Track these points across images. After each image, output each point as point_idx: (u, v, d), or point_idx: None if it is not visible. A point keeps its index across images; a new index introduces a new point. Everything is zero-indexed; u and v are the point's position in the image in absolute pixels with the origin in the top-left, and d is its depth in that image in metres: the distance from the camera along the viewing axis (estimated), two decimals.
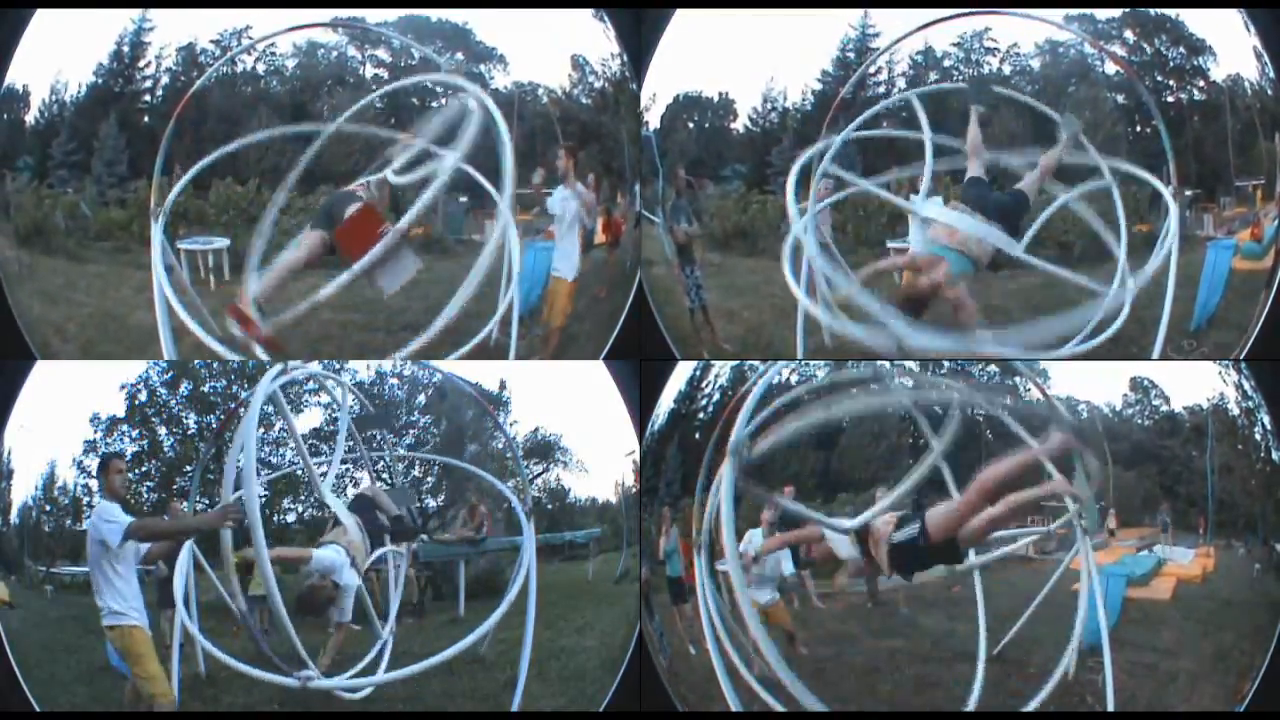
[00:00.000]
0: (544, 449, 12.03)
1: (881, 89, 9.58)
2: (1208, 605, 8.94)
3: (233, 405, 10.73)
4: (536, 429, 11.88)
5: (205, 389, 11.30)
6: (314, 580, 7.87)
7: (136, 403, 10.95)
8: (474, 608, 10.06)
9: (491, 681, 8.59)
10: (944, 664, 8.76)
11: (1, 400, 7.89)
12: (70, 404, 9.74)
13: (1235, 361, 8.01)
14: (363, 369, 10.82)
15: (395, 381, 10.79)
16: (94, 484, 9.97)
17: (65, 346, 8.04)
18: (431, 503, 12.39)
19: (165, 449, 10.89)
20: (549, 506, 11.89)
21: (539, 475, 11.94)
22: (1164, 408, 9.61)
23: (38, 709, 7.58)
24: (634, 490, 9.03)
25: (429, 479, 12.43)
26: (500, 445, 10.76)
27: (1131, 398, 9.74)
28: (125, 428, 10.65)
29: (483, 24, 9.02)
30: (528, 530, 8.42)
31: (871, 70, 9.18)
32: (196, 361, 10.20)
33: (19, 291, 8.00)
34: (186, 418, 11.10)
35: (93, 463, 10.05)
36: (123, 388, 10.85)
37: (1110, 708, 7.29)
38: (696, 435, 8.53)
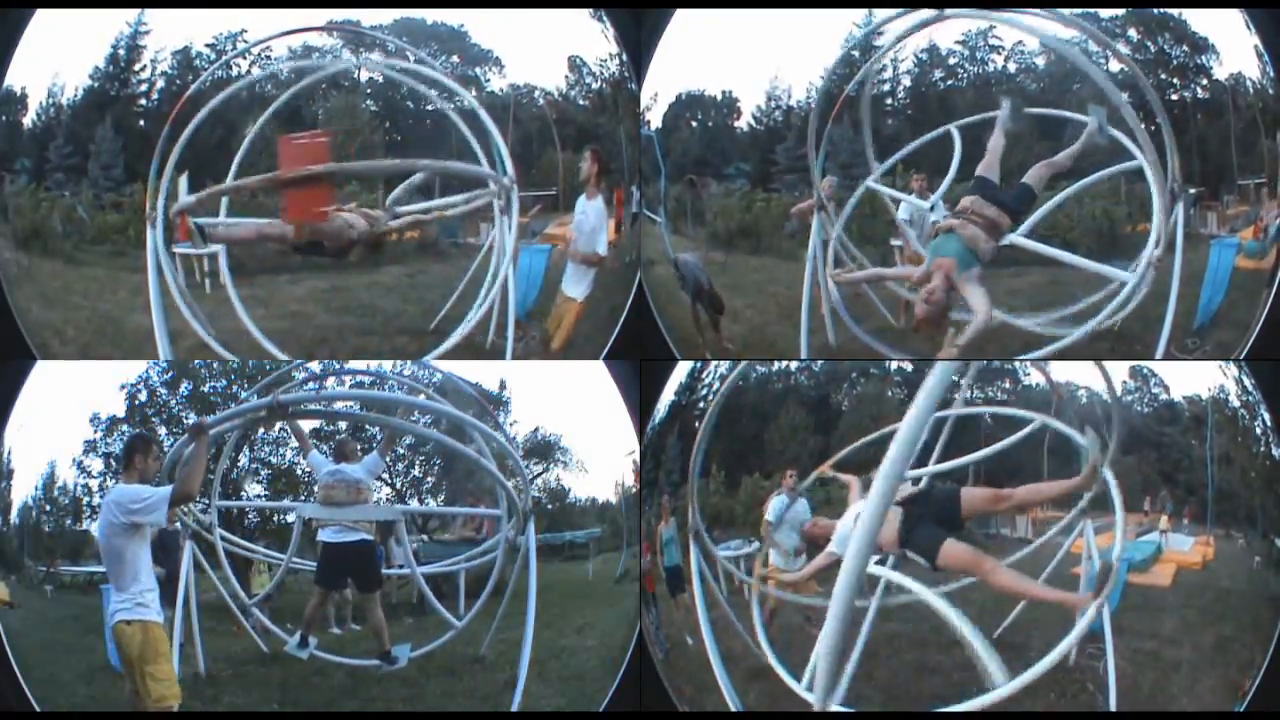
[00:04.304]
0: (544, 449, 12.11)
1: (886, 86, 9.70)
2: (1208, 594, 9.08)
3: (232, 405, 10.84)
4: (536, 429, 11.98)
5: (205, 389, 11.38)
6: None
7: (136, 403, 11.04)
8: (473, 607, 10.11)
9: (491, 681, 8.67)
10: (944, 649, 8.84)
11: (1, 400, 7.96)
12: (71, 404, 9.86)
13: (1237, 361, 8.08)
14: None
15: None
16: (94, 484, 10.18)
17: (64, 349, 8.10)
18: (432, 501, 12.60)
19: (165, 449, 10.98)
20: (549, 506, 11.98)
21: (539, 475, 12.02)
22: (1163, 396, 9.76)
23: (38, 709, 7.63)
24: (634, 490, 9.15)
25: (429, 478, 12.60)
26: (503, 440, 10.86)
27: (1131, 385, 9.88)
28: (125, 428, 10.67)
29: (479, 26, 9.15)
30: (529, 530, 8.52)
31: (876, 68, 9.25)
32: (196, 361, 10.26)
33: (18, 293, 8.07)
34: (186, 418, 11.16)
35: (94, 463, 10.22)
36: (123, 388, 10.95)
37: (1111, 696, 7.38)
38: (696, 425, 8.67)
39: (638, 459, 8.55)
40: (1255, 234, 8.40)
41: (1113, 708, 7.38)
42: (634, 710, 7.98)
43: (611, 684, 8.19)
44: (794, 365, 8.84)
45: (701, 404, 8.77)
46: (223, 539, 9.53)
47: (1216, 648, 8.22)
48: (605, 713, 8.08)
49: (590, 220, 8.16)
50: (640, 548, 8.84)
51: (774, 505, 9.05)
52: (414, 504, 12.46)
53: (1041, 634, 8.38)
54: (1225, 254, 8.37)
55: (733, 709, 7.63)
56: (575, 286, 8.30)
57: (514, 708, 7.82)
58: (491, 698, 8.37)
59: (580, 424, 10.93)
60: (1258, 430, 8.47)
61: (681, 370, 8.68)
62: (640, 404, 8.24)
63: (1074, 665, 7.79)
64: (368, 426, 10.93)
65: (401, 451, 12.07)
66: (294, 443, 10.51)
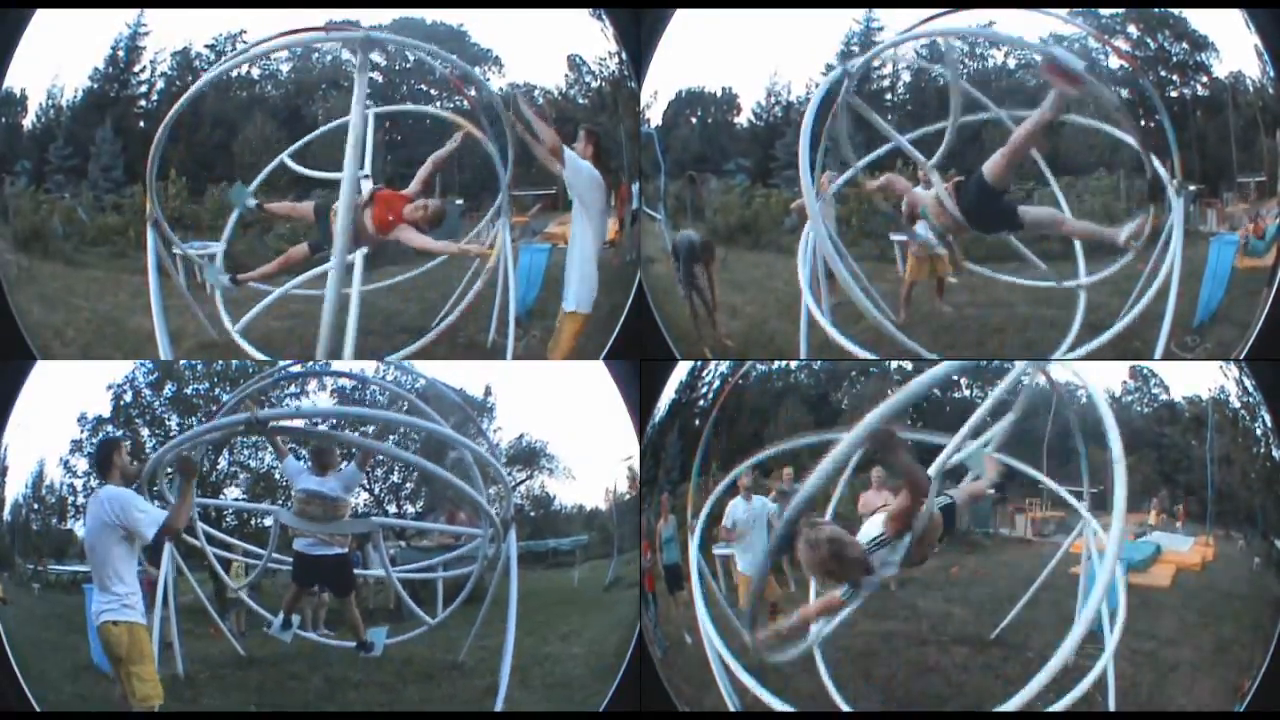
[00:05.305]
0: (529, 455, 12.14)
1: (886, 82, 9.88)
2: (1208, 595, 9.22)
3: (214, 409, 10.90)
4: (522, 435, 12.06)
5: (188, 391, 11.48)
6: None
7: (122, 403, 11.14)
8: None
9: (470, 688, 8.82)
10: (941, 647, 9.03)
11: (1, 400, 8.12)
12: (63, 403, 9.92)
13: (1237, 361, 8.27)
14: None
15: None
16: (79, 483, 10.24)
17: (65, 350, 8.25)
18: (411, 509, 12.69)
19: (147, 450, 11.01)
20: (532, 514, 12.02)
21: (523, 481, 12.07)
22: (1163, 396, 9.95)
23: (36, 707, 7.83)
24: (627, 496, 9.29)
25: (408, 484, 12.67)
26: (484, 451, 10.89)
27: (1131, 386, 10.08)
28: (110, 428, 10.73)
29: (478, 25, 9.27)
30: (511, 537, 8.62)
31: (875, 63, 9.39)
32: (183, 362, 10.36)
33: (19, 295, 8.22)
34: (169, 419, 11.26)
35: (79, 462, 10.31)
36: (109, 388, 11.02)
37: (1110, 696, 7.55)
38: (696, 422, 8.83)
39: (635, 463, 8.70)
40: (1255, 232, 8.57)
41: (1112, 708, 7.55)
42: (634, 710, 8.12)
43: (603, 690, 8.34)
44: (794, 364, 8.96)
45: (702, 402, 8.94)
46: (203, 540, 9.66)
47: (1216, 649, 8.39)
48: (605, 713, 8.23)
49: (575, 186, 7.88)
50: (640, 547, 8.98)
51: (731, 510, 9.30)
52: (391, 509, 12.52)
53: (1040, 635, 8.62)
54: (1225, 251, 8.54)
55: (731, 709, 7.78)
56: (578, 289, 7.95)
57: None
58: (471, 704, 8.52)
59: (579, 426, 10.91)
60: (1258, 431, 8.65)
61: (682, 369, 8.86)
62: (640, 404, 8.38)
63: (1073, 665, 7.98)
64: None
65: (380, 458, 12.11)
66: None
